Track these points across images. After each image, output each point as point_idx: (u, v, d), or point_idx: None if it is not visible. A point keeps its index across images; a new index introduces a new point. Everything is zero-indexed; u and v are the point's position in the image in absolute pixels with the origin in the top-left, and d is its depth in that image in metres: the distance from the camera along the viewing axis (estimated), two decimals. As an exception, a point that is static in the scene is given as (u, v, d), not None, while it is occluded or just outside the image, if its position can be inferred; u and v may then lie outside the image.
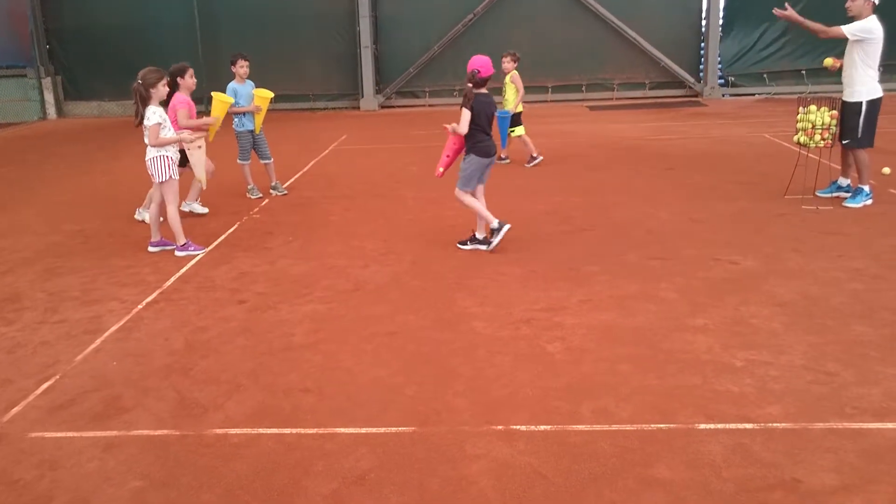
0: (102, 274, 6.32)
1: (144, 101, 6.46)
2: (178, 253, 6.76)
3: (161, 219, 6.94)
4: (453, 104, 19.38)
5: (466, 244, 6.60)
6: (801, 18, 7.32)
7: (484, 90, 6.37)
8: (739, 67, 18.98)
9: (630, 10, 18.67)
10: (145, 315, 5.34)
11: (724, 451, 3.33)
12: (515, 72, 10.47)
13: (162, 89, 6.53)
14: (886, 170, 8.51)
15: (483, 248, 6.51)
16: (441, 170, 6.64)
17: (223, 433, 3.68)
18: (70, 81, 20.45)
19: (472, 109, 6.25)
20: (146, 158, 6.64)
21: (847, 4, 7.26)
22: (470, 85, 6.31)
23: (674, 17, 18.97)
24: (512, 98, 10.43)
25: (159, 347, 4.76)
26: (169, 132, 6.60)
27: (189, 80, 7.60)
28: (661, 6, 18.88)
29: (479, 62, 6.27)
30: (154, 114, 6.45)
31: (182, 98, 7.51)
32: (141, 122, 6.50)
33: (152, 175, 6.63)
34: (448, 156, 6.57)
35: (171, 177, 6.61)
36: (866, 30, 7.10)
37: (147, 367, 4.47)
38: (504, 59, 10.40)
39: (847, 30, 7.12)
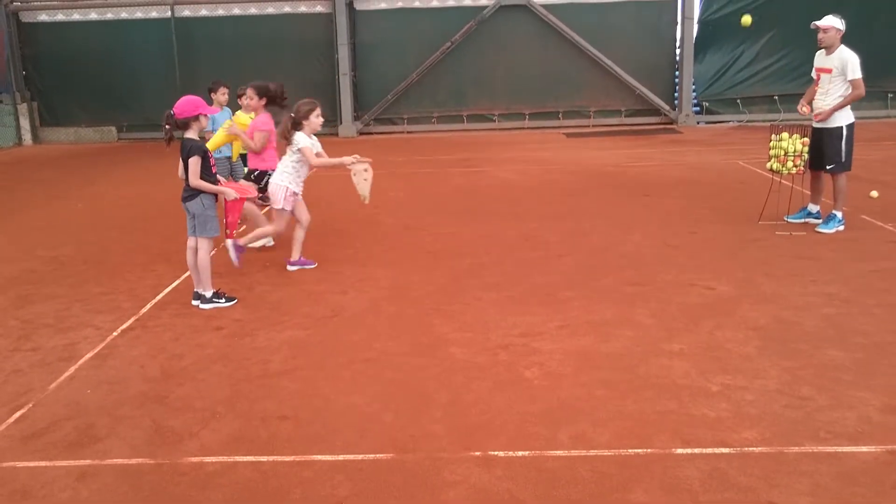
0: (77, 301, 6.26)
1: (292, 130, 6.63)
2: (289, 268, 6.92)
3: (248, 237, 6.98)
4: (432, 131, 19.52)
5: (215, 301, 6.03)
6: (835, 106, 7.36)
7: (191, 133, 5.78)
8: (714, 93, 19.28)
9: (606, 38, 18.94)
10: (120, 342, 5.29)
11: (701, 475, 3.34)
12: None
13: (315, 121, 6.69)
14: (874, 193, 8.66)
15: (224, 303, 6.02)
16: (235, 233, 6.42)
17: (199, 461, 3.64)
18: (46, 107, 20.34)
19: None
20: (282, 184, 6.74)
21: (820, 36, 7.44)
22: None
23: (648, 45, 19.27)
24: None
25: (134, 375, 4.71)
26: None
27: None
28: (636, 35, 19.17)
29: (179, 105, 5.77)
30: (304, 139, 6.62)
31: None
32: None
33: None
34: (234, 219, 6.28)
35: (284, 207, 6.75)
36: (858, 65, 7.32)
37: (122, 395, 4.42)
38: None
39: (858, 78, 7.31)
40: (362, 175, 6.96)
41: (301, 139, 6.63)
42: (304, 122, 6.66)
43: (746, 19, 7.62)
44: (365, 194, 7.07)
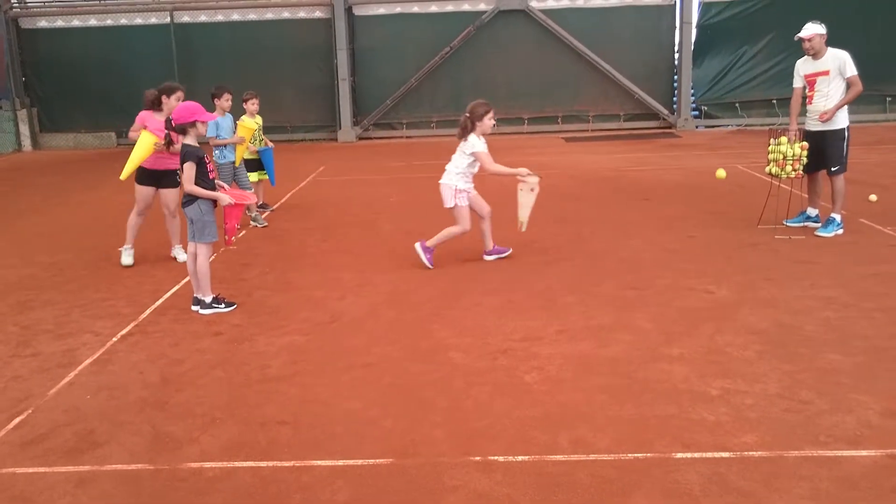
0: (76, 306, 6.26)
1: (466, 130, 6.76)
2: (486, 257, 7.14)
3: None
4: (430, 136, 19.53)
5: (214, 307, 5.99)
6: (838, 105, 7.39)
7: (189, 140, 5.78)
8: (712, 97, 19.31)
9: (604, 43, 18.98)
10: (120, 348, 5.28)
11: (701, 480, 3.34)
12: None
13: (488, 122, 6.73)
14: (873, 197, 8.67)
15: (224, 308, 5.99)
16: (233, 239, 6.19)
17: (198, 467, 3.64)
18: (46, 113, 20.37)
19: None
20: (451, 184, 6.89)
21: (806, 46, 7.47)
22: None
23: (647, 50, 19.31)
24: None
25: (134, 381, 4.71)
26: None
27: (173, 102, 7.23)
28: (635, 40, 19.21)
29: (176, 110, 5.82)
30: (479, 143, 6.71)
31: (144, 113, 7.26)
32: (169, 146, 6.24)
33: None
34: (236, 225, 6.15)
35: (457, 204, 6.89)
36: (853, 62, 7.40)
37: (121, 401, 4.42)
38: (253, 101, 9.48)
39: (855, 75, 7.38)
40: (528, 193, 6.99)
41: (476, 143, 6.71)
42: (478, 124, 6.72)
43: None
44: (523, 219, 7.11)
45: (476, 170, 6.90)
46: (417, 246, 7.04)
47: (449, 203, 6.92)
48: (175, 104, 7.28)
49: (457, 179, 6.86)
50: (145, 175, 7.37)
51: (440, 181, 6.98)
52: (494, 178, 7.25)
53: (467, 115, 6.77)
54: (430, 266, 6.94)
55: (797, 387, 4.23)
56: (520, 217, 7.15)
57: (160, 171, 7.31)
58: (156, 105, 7.27)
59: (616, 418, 3.95)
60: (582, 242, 7.75)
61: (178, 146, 5.98)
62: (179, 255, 7.60)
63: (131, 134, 7.33)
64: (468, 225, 6.96)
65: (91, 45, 19.77)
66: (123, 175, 7.29)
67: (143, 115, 7.25)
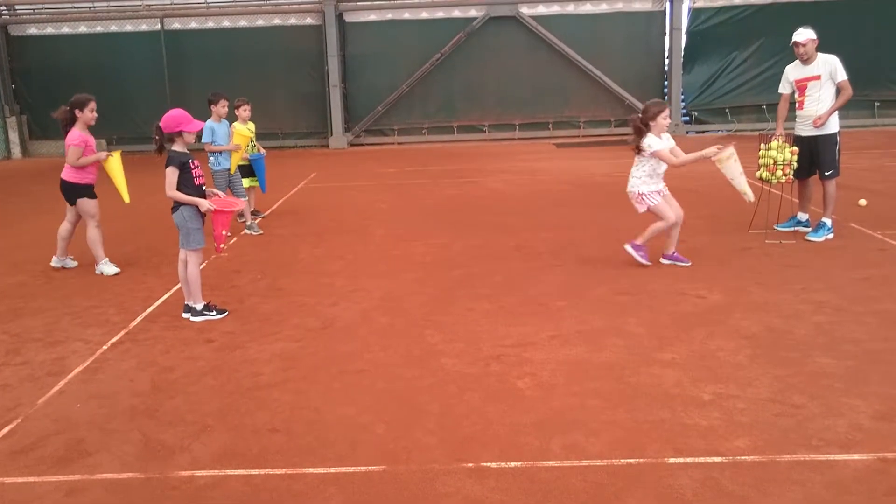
0: (66, 314, 6.22)
1: (641, 132, 6.63)
2: (630, 249, 6.92)
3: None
4: (422, 142, 19.55)
5: (206, 314, 5.96)
6: (831, 109, 7.43)
7: (176, 147, 5.77)
8: (702, 103, 19.39)
9: (595, 49, 19.06)
10: (110, 356, 5.25)
11: (693, 484, 3.34)
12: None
13: (662, 122, 6.62)
14: (863, 201, 8.72)
15: (215, 316, 5.96)
16: (222, 246, 6.09)
17: (189, 475, 3.61)
18: (36, 121, 20.31)
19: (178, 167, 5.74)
20: (634, 190, 6.79)
21: (801, 51, 7.50)
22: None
23: (637, 56, 19.41)
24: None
25: (124, 389, 4.68)
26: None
27: (88, 115, 7.28)
28: (625, 46, 19.31)
29: (164, 119, 5.76)
30: (656, 141, 6.61)
31: (76, 134, 7.24)
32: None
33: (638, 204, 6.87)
34: (224, 232, 6.06)
35: (649, 205, 6.78)
36: (842, 67, 7.46)
37: (112, 409, 4.39)
38: (245, 108, 9.49)
39: (846, 79, 7.43)
40: (732, 165, 6.83)
41: (653, 142, 6.63)
42: (652, 124, 6.65)
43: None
44: (745, 189, 6.94)
45: (662, 170, 6.80)
46: (628, 246, 6.94)
47: (641, 209, 6.87)
48: (91, 115, 7.37)
49: (639, 185, 6.77)
50: (89, 189, 7.57)
51: (627, 189, 6.90)
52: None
53: (639, 116, 6.72)
54: (647, 262, 6.87)
55: (789, 391, 4.24)
56: (739, 189, 6.98)
57: (93, 184, 7.52)
58: (73, 122, 7.23)
59: (609, 423, 3.95)
60: (573, 247, 7.76)
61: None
62: (68, 263, 7.84)
63: (83, 160, 7.33)
64: (672, 216, 6.79)
65: (81, 52, 19.74)
66: (127, 198, 7.49)
67: (80, 137, 7.22)
